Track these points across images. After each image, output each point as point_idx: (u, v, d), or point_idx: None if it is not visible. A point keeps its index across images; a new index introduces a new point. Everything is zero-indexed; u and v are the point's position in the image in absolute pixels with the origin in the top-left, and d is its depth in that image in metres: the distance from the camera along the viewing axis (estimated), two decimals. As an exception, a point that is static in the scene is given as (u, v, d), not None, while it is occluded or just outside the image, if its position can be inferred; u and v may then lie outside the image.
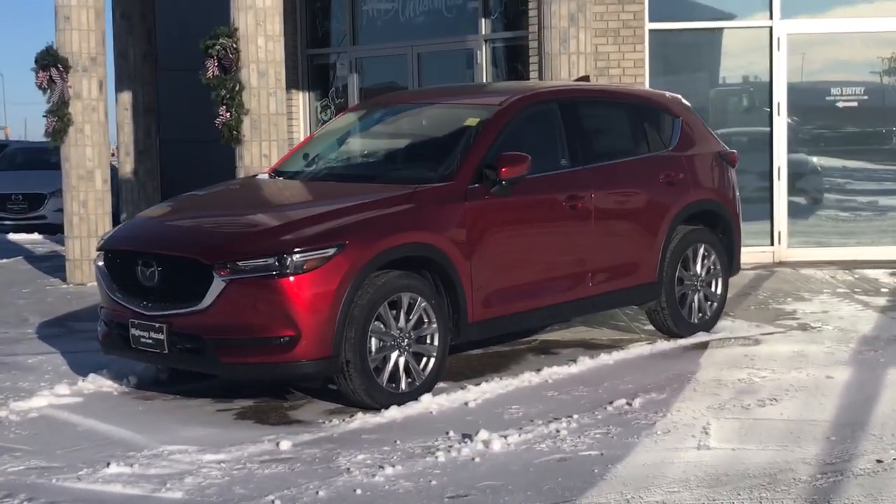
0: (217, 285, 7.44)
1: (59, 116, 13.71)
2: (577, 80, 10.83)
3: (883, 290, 11.89)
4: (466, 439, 7.06)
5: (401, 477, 6.47)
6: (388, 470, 6.56)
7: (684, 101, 10.18)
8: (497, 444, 6.94)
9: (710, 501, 5.96)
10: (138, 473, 6.65)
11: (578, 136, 9.05)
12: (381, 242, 7.69)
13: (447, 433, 7.22)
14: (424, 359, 7.96)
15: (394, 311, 7.77)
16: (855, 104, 13.89)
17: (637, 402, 7.76)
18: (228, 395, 8.25)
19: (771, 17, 13.68)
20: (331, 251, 7.48)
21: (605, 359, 8.99)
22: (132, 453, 7.01)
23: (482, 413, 7.68)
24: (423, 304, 7.88)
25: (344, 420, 7.59)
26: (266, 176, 9.29)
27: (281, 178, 9.10)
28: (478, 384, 8.28)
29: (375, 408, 7.69)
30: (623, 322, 10.36)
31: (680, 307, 9.64)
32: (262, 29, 12.01)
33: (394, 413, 7.66)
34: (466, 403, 7.89)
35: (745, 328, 10.10)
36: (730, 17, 13.98)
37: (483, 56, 14.61)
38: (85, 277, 13.62)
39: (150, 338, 7.72)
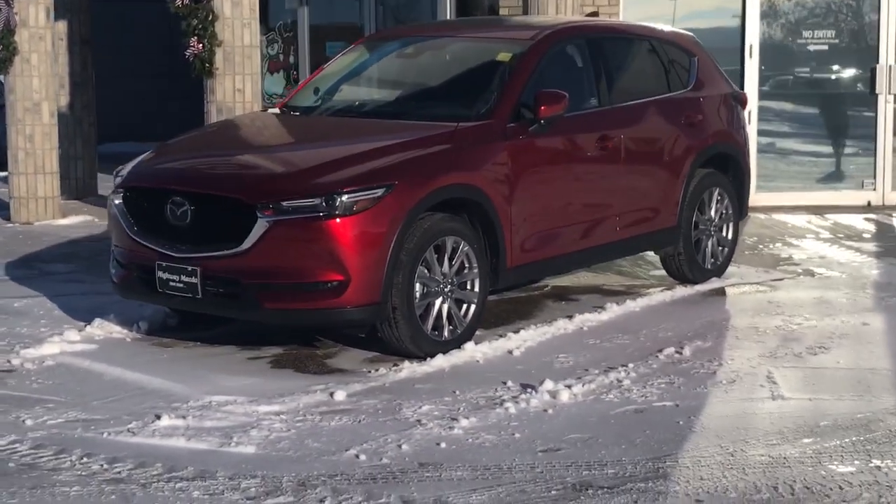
0: (260, 226, 6.98)
1: (5, 45, 12.93)
2: (587, 16, 10.48)
3: (865, 235, 11.83)
4: (530, 390, 6.77)
5: (479, 430, 6.16)
6: (464, 422, 6.25)
7: (697, 40, 9.90)
8: (564, 395, 6.66)
9: (817, 454, 5.75)
10: (195, 426, 6.23)
11: (606, 74, 8.73)
12: (429, 183, 7.30)
13: (504, 383, 6.92)
14: (465, 305, 7.60)
15: (436, 256, 7.38)
16: (825, 47, 13.75)
17: (687, 351, 7.55)
18: (252, 342, 7.82)
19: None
20: (379, 191, 7.08)
21: (631, 305, 8.75)
22: (177, 404, 6.58)
23: (530, 362, 7.39)
24: (465, 249, 7.53)
25: (391, 369, 7.22)
26: (277, 111, 8.77)
27: (298, 114, 8.61)
28: (516, 331, 7.97)
29: (420, 356, 7.33)
30: (626, 267, 10.10)
31: (695, 253, 9.41)
32: (238, -45, 11.41)
33: (440, 362, 7.32)
34: (510, 352, 7.58)
35: (753, 274, 9.93)
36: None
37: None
38: (31, 216, 12.95)
39: (180, 281, 7.24)
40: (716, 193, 9.53)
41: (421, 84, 8.62)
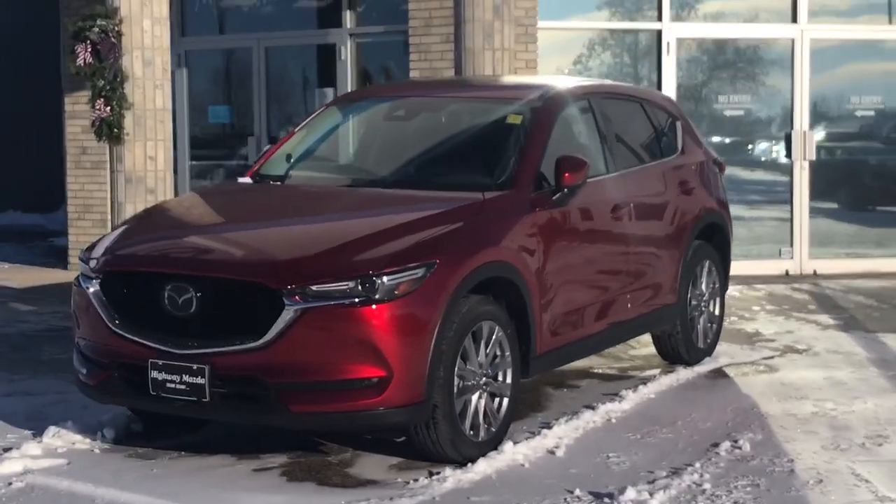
0: (287, 315, 5.91)
1: None
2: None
3: (810, 307, 11.40)
4: (607, 499, 5.86)
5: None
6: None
7: (675, 102, 9.25)
8: (654, 506, 5.77)
9: None
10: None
11: (609, 138, 7.97)
12: (470, 261, 6.37)
13: (571, 492, 6.01)
14: (497, 399, 6.65)
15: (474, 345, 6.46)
16: (741, 113, 13.37)
17: (745, 445, 6.78)
18: (244, 450, 6.70)
19: (660, 20, 12.97)
20: (420, 272, 6.11)
21: (645, 392, 7.98)
22: (205, 535, 5.43)
23: (581, 464, 6.50)
24: (499, 335, 6.60)
25: (432, 479, 6.21)
26: (249, 180, 7.67)
27: (281, 185, 7.53)
28: (543, 427, 7.08)
29: (458, 461, 6.35)
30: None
31: (690, 331, 8.68)
32: (149, 10, 10.31)
33: (483, 467, 6.36)
34: (552, 452, 6.68)
35: (739, 352, 9.30)
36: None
37: (348, 52, 13.23)
38: None
39: (181, 382, 6.09)
40: (706, 267, 8.85)
41: (426, 149, 7.61)
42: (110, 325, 6.34)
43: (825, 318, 10.79)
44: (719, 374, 8.62)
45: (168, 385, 6.13)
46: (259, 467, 6.44)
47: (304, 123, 8.08)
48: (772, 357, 9.14)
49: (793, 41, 13.27)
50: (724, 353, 9.16)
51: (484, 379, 6.53)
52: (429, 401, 6.14)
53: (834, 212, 13.87)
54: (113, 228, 7.08)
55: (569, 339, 7.25)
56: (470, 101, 7.96)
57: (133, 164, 10.33)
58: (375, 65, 13.30)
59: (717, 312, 9.05)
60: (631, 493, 5.89)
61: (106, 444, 6.82)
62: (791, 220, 13.43)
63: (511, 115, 7.41)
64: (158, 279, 6.20)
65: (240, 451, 6.70)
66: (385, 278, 5.99)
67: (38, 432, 6.97)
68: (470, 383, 6.42)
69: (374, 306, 5.95)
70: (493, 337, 6.56)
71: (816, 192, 13.41)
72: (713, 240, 8.97)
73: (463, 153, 7.42)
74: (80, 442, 6.82)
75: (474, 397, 6.47)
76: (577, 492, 6.00)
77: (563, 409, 7.58)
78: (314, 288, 5.94)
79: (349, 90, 13.25)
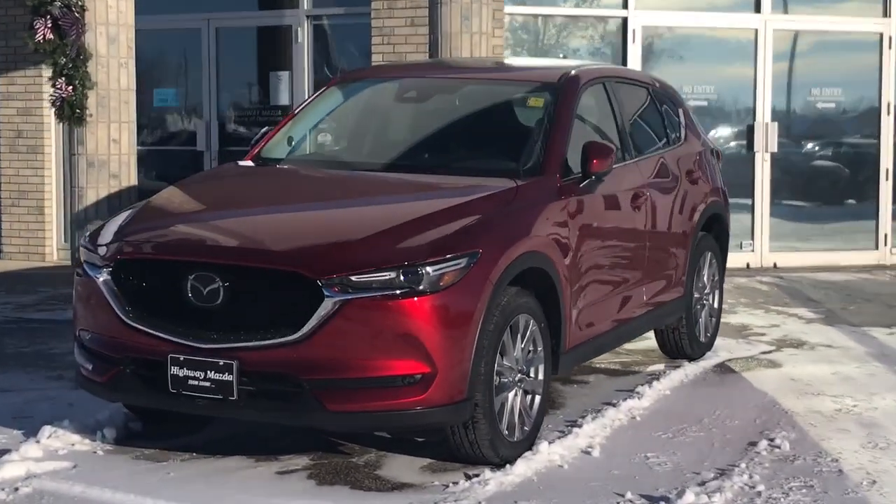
0: (326, 307, 5.48)
1: None
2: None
3: (785, 300, 11.29)
4: (662, 503, 5.54)
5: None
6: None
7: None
8: (715, 510, 5.47)
9: None
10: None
11: (625, 124, 7.66)
12: (510, 251, 5.99)
13: (622, 495, 5.67)
14: (529, 397, 6.29)
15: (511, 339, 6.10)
16: (704, 103, 13.16)
17: (784, 444, 6.52)
18: (256, 450, 6.28)
19: (626, 8, 12.71)
20: (463, 261, 5.72)
21: (659, 388, 7.69)
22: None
23: (621, 465, 6.18)
24: (533, 328, 6.24)
25: (472, 482, 5.83)
26: (251, 163, 7.20)
27: (288, 168, 7.09)
28: (576, 425, 6.73)
29: (495, 462, 5.98)
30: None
31: (694, 324, 8.41)
32: (114, -16, 9.73)
33: (522, 469, 6.00)
34: (587, 452, 6.35)
35: (736, 346, 9.08)
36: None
37: (305, 35, 12.75)
38: None
39: (206, 379, 5.63)
40: (708, 258, 8.58)
41: (446, 132, 7.19)
42: (122, 317, 5.85)
43: (804, 312, 10.64)
44: (725, 369, 8.36)
45: (190, 382, 5.67)
46: (281, 470, 6.01)
47: (304, 104, 7.63)
48: (770, 352, 8.92)
49: (756, 31, 13.10)
50: (722, 348, 8.92)
51: (519, 375, 6.17)
52: (471, 399, 5.76)
53: (791, 205, 13.72)
54: (113, 214, 6.57)
55: (594, 334, 6.92)
56: (486, 83, 7.55)
57: (96, 146, 9.76)
58: (334, 49, 12.83)
59: (716, 306, 8.80)
60: (689, 496, 5.57)
61: (108, 445, 6.34)
62: (752, 212, 13.27)
63: (532, 98, 7.06)
64: (180, 268, 5.72)
65: (252, 451, 6.26)
66: (429, 268, 5.59)
67: (30, 432, 6.47)
68: (506, 380, 6.06)
69: (417, 298, 5.55)
70: (528, 331, 6.20)
71: (774, 185, 13.28)
72: (713, 230, 8.70)
73: (486, 137, 7.03)
74: (80, 443, 6.33)
75: (510, 395, 6.11)
76: (629, 495, 5.68)
77: (581, 406, 7.26)
78: (354, 278, 5.52)
79: (306, 75, 12.81)
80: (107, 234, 6.13)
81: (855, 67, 13.57)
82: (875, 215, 13.67)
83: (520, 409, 6.17)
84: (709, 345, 8.67)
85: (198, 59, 13.35)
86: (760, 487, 5.82)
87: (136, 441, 6.43)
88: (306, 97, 12.57)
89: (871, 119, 13.60)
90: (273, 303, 5.60)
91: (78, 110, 9.65)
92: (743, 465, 6.14)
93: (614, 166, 7.11)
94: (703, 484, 5.85)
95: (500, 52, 12.01)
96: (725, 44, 13.33)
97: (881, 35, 13.47)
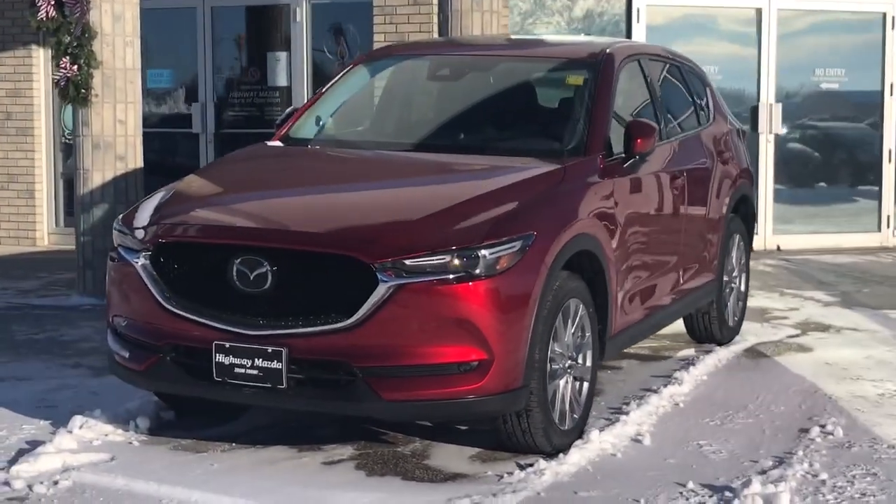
0: (380, 292, 5.27)
1: None
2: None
3: (794, 280, 11.13)
4: (728, 493, 5.37)
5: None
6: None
7: (700, 67, 8.80)
8: (784, 501, 5.28)
9: None
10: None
11: (661, 103, 7.47)
12: (564, 233, 5.81)
13: (684, 485, 5.50)
14: (578, 383, 6.10)
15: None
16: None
17: (836, 431, 6.36)
18: (295, 439, 6.08)
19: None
20: (518, 244, 5.52)
21: (696, 374, 7.53)
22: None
23: (675, 454, 6.01)
24: (583, 313, 6.05)
25: (526, 472, 5.64)
26: (280, 143, 6.97)
27: (323, 147, 6.86)
28: (621, 413, 6.56)
29: (547, 452, 5.79)
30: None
31: (724, 308, 8.24)
32: (119, -40, 9.47)
33: (576, 458, 5.82)
34: (637, 441, 6.17)
35: (761, 331, 8.92)
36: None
37: (304, 14, 12.50)
38: None
39: (253, 367, 5.41)
40: (737, 240, 8.42)
41: (484, 111, 6.97)
42: (162, 303, 5.62)
43: (820, 295, 10.51)
44: (756, 353, 8.20)
45: (236, 370, 5.45)
46: (327, 460, 5.81)
47: (331, 83, 7.38)
48: (797, 335, 8.78)
49: (759, 10, 12.95)
50: (748, 332, 8.77)
51: (569, 362, 5.98)
52: (527, 386, 5.57)
53: (794, 187, 13.58)
54: (147, 196, 6.28)
55: (636, 319, 6.75)
56: (521, 61, 7.34)
57: (101, 128, 9.51)
58: (335, 28, 12.56)
59: (742, 289, 8.64)
60: (756, 485, 5.39)
61: (142, 436, 6.12)
62: (756, 194, 13.10)
63: (572, 76, 6.85)
64: (225, 251, 5.50)
65: (293, 441, 6.06)
66: (485, 251, 5.39)
67: (57, 422, 6.24)
68: (557, 367, 5.87)
69: (473, 282, 5.35)
70: (578, 316, 6.02)
71: (777, 167, 13.15)
72: (740, 212, 8.54)
73: (526, 116, 6.83)
74: (113, 433, 6.11)
75: (561, 382, 5.92)
76: (691, 485, 5.51)
77: (620, 392, 7.09)
78: (408, 262, 5.31)
79: (304, 55, 12.56)
80: (142, 217, 5.88)
81: (859, 48, 13.43)
82: (878, 197, 13.56)
83: (570, 397, 5.99)
84: (736, 329, 8.52)
85: (193, 40, 13.05)
86: (823, 476, 5.66)
87: (171, 431, 6.21)
88: (305, 78, 12.37)
89: (874, 100, 13.47)
90: (323, 287, 5.39)
91: (83, 90, 9.38)
92: (800, 453, 5.98)
93: (657, 146, 6.94)
94: (764, 472, 5.68)
95: (505, 30, 11.80)
96: (729, 24, 13.15)
97: (884, 15, 13.33)
